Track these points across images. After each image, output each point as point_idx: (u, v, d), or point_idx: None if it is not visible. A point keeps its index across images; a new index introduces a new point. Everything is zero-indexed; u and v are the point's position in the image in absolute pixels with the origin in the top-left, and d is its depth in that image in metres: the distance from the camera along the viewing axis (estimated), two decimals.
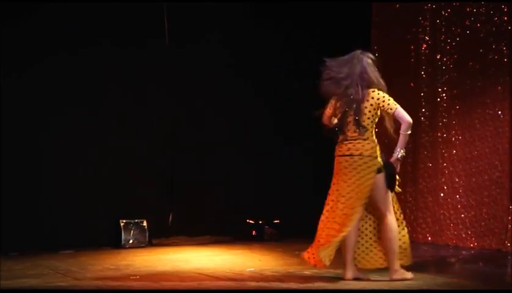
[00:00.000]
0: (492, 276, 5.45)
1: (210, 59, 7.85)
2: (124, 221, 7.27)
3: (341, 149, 5.27)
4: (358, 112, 5.12)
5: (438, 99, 7.65)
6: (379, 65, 7.89)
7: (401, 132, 5.14)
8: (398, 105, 5.12)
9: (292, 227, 7.93)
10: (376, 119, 5.20)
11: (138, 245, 7.25)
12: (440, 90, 7.65)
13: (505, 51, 7.07)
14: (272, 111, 8.24)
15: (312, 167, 8.36)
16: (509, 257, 6.63)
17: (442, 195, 7.56)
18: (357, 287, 5.08)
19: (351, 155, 5.17)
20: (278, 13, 8.25)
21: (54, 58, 7.07)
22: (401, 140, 5.15)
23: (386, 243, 5.17)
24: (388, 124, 5.27)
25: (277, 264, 6.14)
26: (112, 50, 7.34)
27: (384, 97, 5.14)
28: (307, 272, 5.61)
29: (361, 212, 5.18)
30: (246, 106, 8.09)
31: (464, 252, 6.97)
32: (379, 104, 5.12)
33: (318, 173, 8.31)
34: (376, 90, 5.16)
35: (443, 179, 7.49)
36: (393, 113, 5.10)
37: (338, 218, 5.17)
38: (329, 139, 8.36)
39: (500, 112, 7.11)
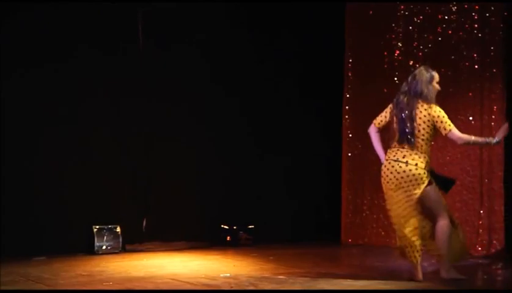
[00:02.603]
0: (464, 280, 5.56)
1: (184, 64, 7.88)
2: (97, 227, 7.26)
3: (390, 154, 5.46)
4: (403, 121, 5.32)
5: None
6: (354, 70, 8.31)
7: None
8: (452, 127, 5.26)
9: (266, 233, 8.03)
10: (430, 134, 5.31)
11: (112, 251, 7.25)
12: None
13: (476, 58, 7.21)
14: (246, 116, 8.30)
15: (286, 172, 8.48)
16: (480, 261, 6.74)
17: None
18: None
19: (397, 160, 5.34)
20: (254, 19, 8.31)
21: (24, 70, 7.04)
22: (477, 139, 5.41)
23: (438, 244, 5.39)
24: None
25: (251, 269, 6.18)
26: (86, 57, 7.34)
27: (439, 116, 5.28)
28: (282, 276, 5.69)
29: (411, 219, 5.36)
30: (221, 111, 8.14)
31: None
32: (435, 121, 5.28)
33: (292, 178, 8.54)
34: (433, 105, 5.29)
35: None
36: (446, 134, 5.28)
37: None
38: (302, 144, 8.59)
39: (471, 118, 7.24)
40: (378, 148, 5.58)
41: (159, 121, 7.75)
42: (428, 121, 5.30)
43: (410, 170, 5.27)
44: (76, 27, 7.25)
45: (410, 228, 5.34)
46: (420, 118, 5.30)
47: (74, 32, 7.25)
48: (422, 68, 5.48)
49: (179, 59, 7.83)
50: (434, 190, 5.39)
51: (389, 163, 5.40)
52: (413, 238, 5.34)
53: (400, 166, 5.31)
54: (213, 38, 8.07)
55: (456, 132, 5.28)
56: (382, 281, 5.50)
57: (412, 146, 5.30)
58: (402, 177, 5.30)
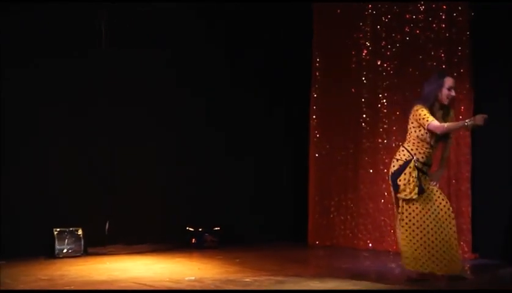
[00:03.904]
0: (432, 282, 5.65)
1: (151, 67, 7.87)
2: (58, 229, 7.20)
3: None
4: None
5: (379, 105, 7.89)
6: (321, 69, 8.38)
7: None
8: (431, 120, 5.47)
9: (233, 235, 8.07)
10: (416, 133, 5.55)
11: (73, 254, 7.19)
12: (380, 95, 7.88)
13: (443, 58, 7.30)
14: (212, 117, 8.32)
15: (252, 173, 8.52)
16: None
17: (382, 201, 7.78)
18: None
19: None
20: (219, 19, 8.32)
21: None
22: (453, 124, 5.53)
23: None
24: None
25: (217, 272, 6.20)
26: (45, 61, 7.28)
27: (417, 113, 5.52)
28: (248, 279, 5.73)
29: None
30: (185, 113, 8.14)
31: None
32: (415, 119, 5.54)
33: (258, 179, 8.60)
34: (419, 105, 5.54)
35: (383, 185, 7.67)
36: (427, 128, 5.49)
37: None
38: (269, 145, 8.64)
39: None
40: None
41: (122, 123, 7.72)
42: (412, 122, 5.60)
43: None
44: (34, 29, 7.18)
45: None
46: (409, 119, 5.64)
47: (32, 35, 7.17)
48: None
49: (144, 61, 7.81)
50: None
51: None
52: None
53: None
54: (177, 39, 8.06)
55: (433, 123, 5.47)
56: (350, 282, 5.58)
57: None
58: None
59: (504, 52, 6.91)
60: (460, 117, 7.18)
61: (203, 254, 7.44)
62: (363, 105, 8.00)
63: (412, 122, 5.58)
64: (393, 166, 5.63)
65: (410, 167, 5.51)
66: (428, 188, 5.57)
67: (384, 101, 7.86)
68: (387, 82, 7.82)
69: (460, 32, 7.19)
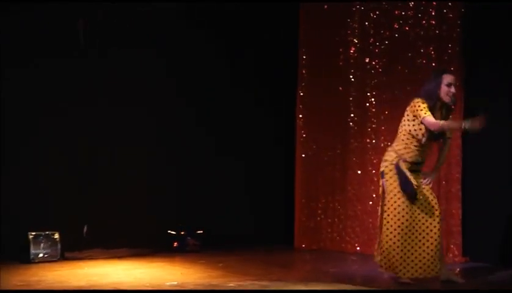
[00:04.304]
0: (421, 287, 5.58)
1: (137, 66, 7.82)
2: (33, 233, 7.04)
3: None
4: None
5: (367, 104, 7.81)
6: (308, 67, 8.33)
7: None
8: (427, 114, 5.42)
9: (217, 238, 7.99)
10: (409, 126, 5.49)
11: (50, 259, 7.05)
12: (369, 94, 7.82)
13: (433, 55, 7.25)
14: (197, 121, 8.30)
15: (237, 175, 8.49)
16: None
17: (370, 203, 7.70)
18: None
19: None
20: (206, 18, 8.30)
21: None
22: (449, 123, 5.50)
23: None
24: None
25: (199, 276, 6.12)
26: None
27: (416, 105, 5.49)
28: (231, 284, 5.65)
29: None
30: (170, 116, 8.10)
31: None
32: (411, 111, 5.52)
33: (243, 181, 8.58)
34: (419, 99, 5.52)
35: (372, 187, 7.62)
36: (421, 121, 5.44)
37: None
38: (255, 146, 8.58)
39: None
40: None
41: (101, 125, 7.66)
42: (407, 115, 5.57)
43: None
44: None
45: None
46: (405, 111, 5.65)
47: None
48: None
49: (130, 61, 7.78)
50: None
51: None
52: None
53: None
54: (165, 38, 8.03)
55: (429, 118, 5.43)
56: (337, 286, 5.53)
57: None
58: None
59: (496, 49, 6.88)
60: (450, 116, 7.13)
61: (186, 258, 7.34)
62: (351, 104, 7.94)
63: (408, 115, 5.53)
64: (381, 166, 5.63)
65: (405, 168, 5.50)
66: (418, 186, 5.48)
67: (372, 99, 7.79)
68: (376, 80, 7.76)
69: (450, 29, 7.16)
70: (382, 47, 7.67)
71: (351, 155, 7.94)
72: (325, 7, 8.20)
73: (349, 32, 7.94)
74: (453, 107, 5.69)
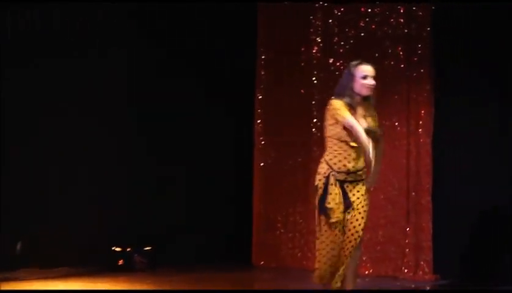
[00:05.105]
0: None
1: (91, 71, 7.62)
2: None
3: None
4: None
5: None
6: (267, 68, 8.07)
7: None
8: (346, 115, 5.06)
9: (167, 255, 7.80)
10: (332, 131, 5.12)
11: None
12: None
13: (402, 56, 7.24)
14: (143, 123, 8.04)
15: (190, 185, 8.29)
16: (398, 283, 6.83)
17: None
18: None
19: None
20: (159, 18, 8.13)
21: None
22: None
23: None
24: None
25: None
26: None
27: (332, 108, 5.12)
28: None
29: None
30: (113, 121, 7.83)
31: (358, 280, 6.83)
32: (332, 115, 5.15)
33: (196, 193, 8.36)
34: (334, 100, 5.15)
35: None
36: (342, 123, 5.08)
37: None
38: (209, 153, 8.24)
39: (396, 123, 7.23)
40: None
41: (46, 136, 7.40)
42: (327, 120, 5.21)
43: None
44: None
45: None
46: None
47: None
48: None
49: (70, 69, 7.56)
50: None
51: None
52: None
53: None
54: (112, 39, 7.84)
55: (348, 120, 5.04)
56: None
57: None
58: None
59: (468, 50, 6.85)
60: (420, 122, 7.22)
61: (131, 277, 7.11)
62: (314, 108, 7.79)
63: (328, 119, 5.19)
64: (316, 180, 5.25)
65: (331, 184, 5.14)
66: (354, 201, 5.19)
67: None
68: None
69: (420, 28, 7.15)
70: (347, 47, 7.60)
71: (313, 163, 7.56)
72: (286, 2, 8.07)
73: (311, 30, 7.85)
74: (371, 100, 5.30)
